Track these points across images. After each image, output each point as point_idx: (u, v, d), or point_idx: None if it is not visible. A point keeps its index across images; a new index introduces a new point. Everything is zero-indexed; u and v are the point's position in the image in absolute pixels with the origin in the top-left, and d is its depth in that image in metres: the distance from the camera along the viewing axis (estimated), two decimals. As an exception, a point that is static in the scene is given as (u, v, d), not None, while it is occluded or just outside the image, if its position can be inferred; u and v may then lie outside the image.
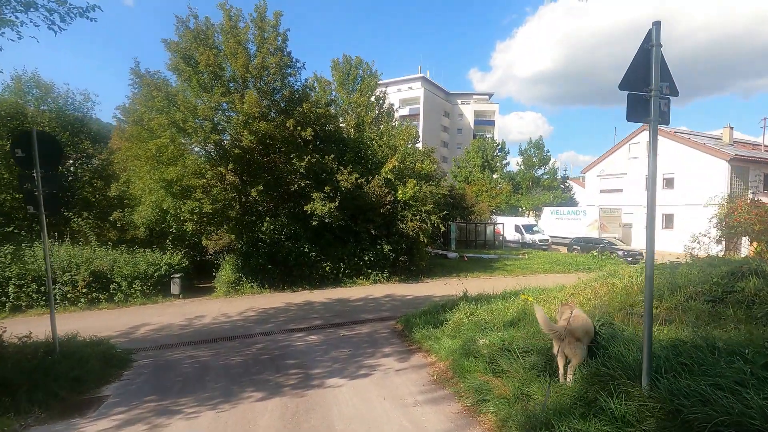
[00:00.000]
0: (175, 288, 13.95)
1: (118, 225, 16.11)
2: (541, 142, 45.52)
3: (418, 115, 65.54)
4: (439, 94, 74.30)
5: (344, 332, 9.09)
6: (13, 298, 12.38)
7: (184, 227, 13.88)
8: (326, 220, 14.83)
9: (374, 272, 16.51)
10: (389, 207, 16.80)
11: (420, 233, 16.91)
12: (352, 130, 19.55)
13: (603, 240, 27.28)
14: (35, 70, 17.00)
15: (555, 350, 4.39)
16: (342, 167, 15.91)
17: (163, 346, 8.42)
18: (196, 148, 15.31)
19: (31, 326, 10.86)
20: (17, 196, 16.40)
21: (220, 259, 16.31)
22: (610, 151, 37.53)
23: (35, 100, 16.57)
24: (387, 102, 24.91)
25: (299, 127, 14.74)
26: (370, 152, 18.71)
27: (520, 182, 44.89)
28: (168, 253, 14.59)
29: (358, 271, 16.44)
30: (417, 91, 68.34)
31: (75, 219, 15.54)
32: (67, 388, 4.93)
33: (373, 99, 23.61)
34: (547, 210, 38.36)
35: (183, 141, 14.12)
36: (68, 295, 12.75)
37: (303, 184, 14.96)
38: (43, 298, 12.62)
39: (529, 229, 33.78)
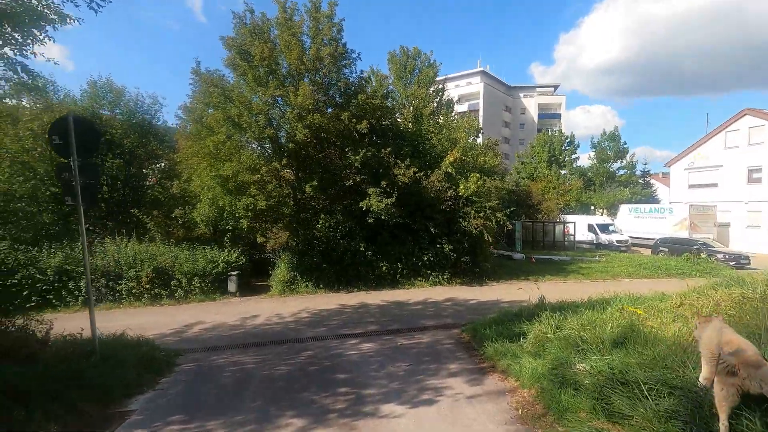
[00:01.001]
0: (232, 286, 13.82)
1: (180, 222, 16.43)
2: (616, 133, 41.34)
3: (478, 111, 62.88)
4: (500, 88, 70.95)
5: (402, 341, 8.08)
6: (84, 292, 12.80)
7: (240, 224, 13.70)
8: (383, 218, 13.93)
9: (434, 273, 15.34)
10: (450, 203, 15.53)
11: (484, 231, 15.45)
12: (409, 124, 18.50)
13: (696, 241, 23.81)
14: (109, 75, 17.91)
15: (718, 390, 2.99)
16: (399, 161, 14.93)
17: (211, 348, 7.94)
18: (253, 144, 15.15)
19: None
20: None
21: (276, 257, 16.07)
22: (701, 141, 33.15)
23: (109, 104, 17.41)
24: (446, 94, 23.59)
25: (354, 120, 14.00)
26: (428, 146, 17.55)
27: (593, 178, 41.09)
28: (226, 250, 14.52)
29: (416, 272, 15.37)
30: (476, 86, 65.71)
31: (143, 217, 16.03)
32: (92, 399, 4.42)
33: (431, 91, 22.41)
34: (624, 208, 34.69)
35: (239, 138, 13.94)
36: (133, 290, 13.00)
37: (358, 179, 14.18)
38: (111, 292, 13.00)
39: (604, 228, 30.62)
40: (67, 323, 10.69)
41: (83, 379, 4.65)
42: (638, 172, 42.41)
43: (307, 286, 14.33)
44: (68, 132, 5.26)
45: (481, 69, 66.96)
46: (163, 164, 19.46)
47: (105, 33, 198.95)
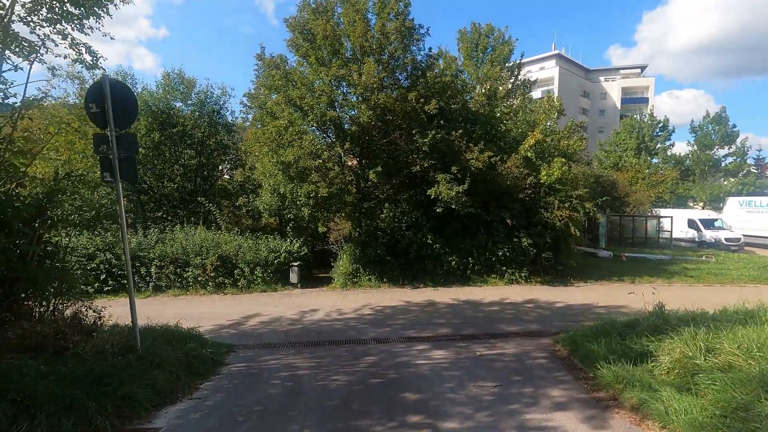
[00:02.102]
0: (293, 276, 13.31)
1: (245, 211, 16.36)
2: (723, 114, 35.59)
3: (554, 95, 58.20)
4: (578, 72, 65.25)
5: (481, 349, 6.74)
6: (155, 278, 12.99)
7: (302, 212, 13.10)
8: (453, 207, 12.54)
9: (510, 270, 13.66)
10: (530, 192, 13.72)
11: (570, 224, 13.45)
12: (481, 107, 16.77)
13: (840, 241, 19.39)
14: (180, 67, 18.34)
15: None
16: (471, 145, 13.43)
17: (265, 345, 7.22)
18: (315, 131, 14.50)
19: (156, 308, 11.09)
20: (167, 183, 17.93)
21: (339, 248, 15.41)
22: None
23: (180, 94, 17.82)
24: (522, 75, 21.35)
25: (422, 100, 12.74)
26: (503, 129, 15.77)
27: (692, 167, 35.84)
28: (288, 240, 14.09)
29: (489, 268, 13.80)
30: (551, 70, 60.88)
31: (209, 205, 16.14)
32: (113, 410, 3.69)
33: (505, 72, 20.38)
34: (733, 201, 29.73)
35: (300, 122, 13.33)
36: (199, 278, 12.94)
37: (426, 165, 12.92)
38: (179, 279, 13.05)
39: (709, 224, 26.37)
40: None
41: (111, 382, 3.97)
42: (750, 160, 36.31)
43: (369, 279, 13.43)
44: (105, 98, 4.64)
45: (557, 52, 61.93)
46: (231, 155, 19.67)
47: (191, 40, 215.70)
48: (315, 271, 15.80)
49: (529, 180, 13.72)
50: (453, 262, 13.50)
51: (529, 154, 14.10)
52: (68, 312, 6.48)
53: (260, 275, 13.04)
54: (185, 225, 14.50)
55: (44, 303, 5.95)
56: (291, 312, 9.90)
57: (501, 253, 13.60)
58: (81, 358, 4.34)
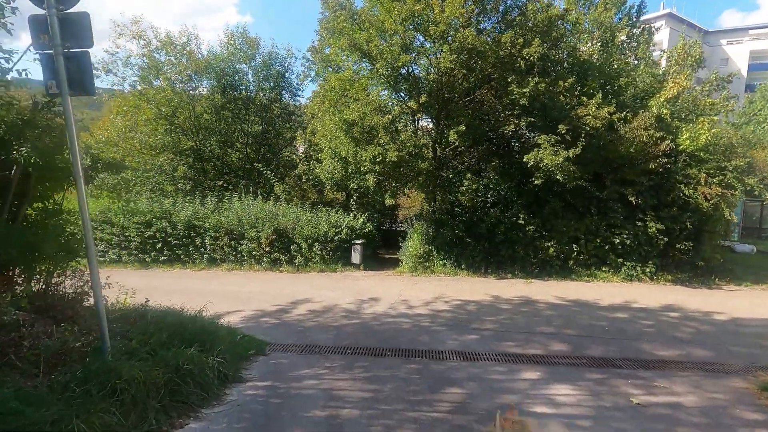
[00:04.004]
0: (355, 256, 11.47)
1: (304, 179, 14.78)
2: None
3: (660, 63, 49.88)
4: (693, 34, 54.52)
5: (633, 391, 4.20)
6: (210, 250, 11.93)
7: (366, 181, 11.05)
8: (558, 178, 9.63)
9: (629, 263, 10.50)
10: (663, 160, 10.30)
11: (723, 206, 9.89)
12: (593, 58, 13.25)
13: None
14: (244, 26, 17.12)
15: None
16: (585, 98, 10.32)
17: (308, 346, 5.32)
18: (383, 92, 12.24)
19: (202, 282, 9.89)
20: (229, 151, 16.96)
21: (409, 226, 13.29)
22: None
23: (244, 55, 16.54)
24: (642, 25, 17.03)
25: (520, 41, 9.86)
26: (623, 83, 12.25)
27: None
28: (351, 215, 12.25)
29: (600, 259, 10.74)
30: (661, 33, 51.78)
31: (267, 173, 14.80)
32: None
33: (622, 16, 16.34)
34: None
35: (368, 75, 11.18)
36: (253, 253, 11.64)
37: (523, 124, 10.11)
38: (234, 252, 11.85)
39: None
40: (182, 282, 9.64)
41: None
42: None
43: (444, 264, 11.14)
44: (38, -49, 2.80)
45: (668, 11, 52.67)
46: (297, 120, 18.21)
47: (272, 25, 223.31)
48: (381, 251, 13.90)
49: (662, 146, 10.29)
50: (551, 249, 10.66)
51: (663, 111, 10.63)
52: (68, 288, 5.10)
53: (318, 253, 11.40)
54: (245, 195, 13.29)
55: (23, 276, 4.53)
56: (348, 299, 8.00)
57: (618, 241, 10.45)
58: (25, 372, 2.66)
